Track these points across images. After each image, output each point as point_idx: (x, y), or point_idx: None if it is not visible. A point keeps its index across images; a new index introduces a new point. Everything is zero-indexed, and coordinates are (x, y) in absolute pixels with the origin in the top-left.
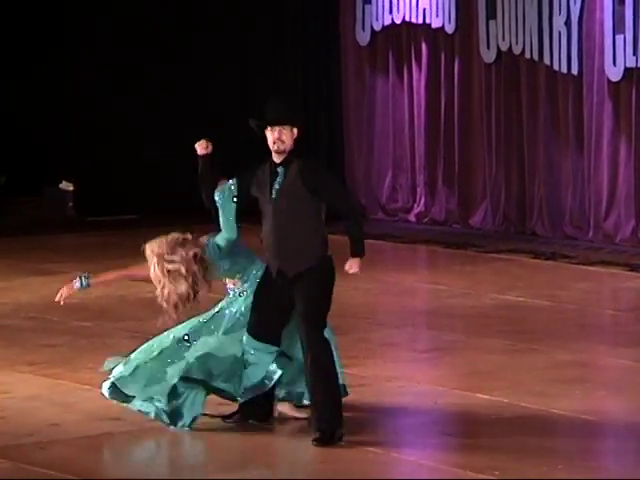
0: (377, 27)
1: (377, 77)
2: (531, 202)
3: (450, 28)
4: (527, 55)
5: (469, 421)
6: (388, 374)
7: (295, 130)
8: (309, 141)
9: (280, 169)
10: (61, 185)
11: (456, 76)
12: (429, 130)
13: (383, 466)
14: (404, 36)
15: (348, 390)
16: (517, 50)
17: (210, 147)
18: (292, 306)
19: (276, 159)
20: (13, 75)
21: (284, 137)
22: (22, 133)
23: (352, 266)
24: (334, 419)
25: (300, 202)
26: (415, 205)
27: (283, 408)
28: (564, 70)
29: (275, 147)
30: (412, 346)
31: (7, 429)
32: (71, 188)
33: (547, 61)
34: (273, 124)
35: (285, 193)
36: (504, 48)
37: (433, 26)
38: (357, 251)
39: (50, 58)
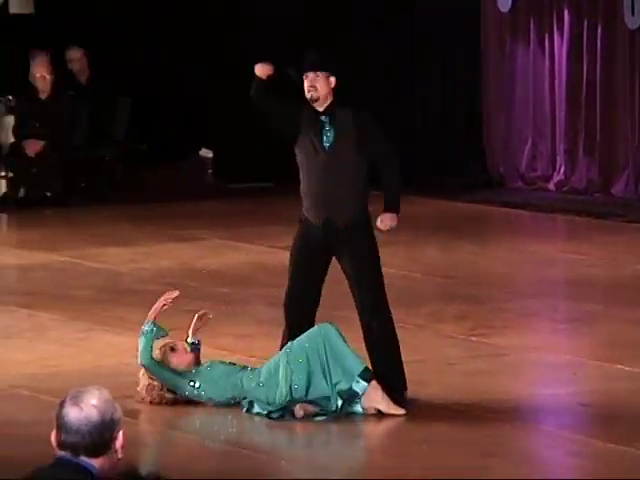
0: None
1: (518, 44)
2: None
3: None
4: None
5: (608, 393)
6: (526, 344)
7: (332, 79)
8: (447, 110)
9: (325, 118)
10: (201, 152)
11: (599, 43)
12: (570, 98)
13: (521, 435)
14: (546, 2)
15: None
16: None
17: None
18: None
19: (318, 107)
20: (153, 45)
21: (317, 84)
22: (162, 101)
23: (383, 221)
24: (400, 381)
25: (350, 154)
26: (555, 174)
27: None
28: None
29: (309, 95)
30: (551, 316)
31: None
32: (210, 155)
33: None
34: (306, 70)
35: (338, 143)
36: None
37: None
38: (392, 204)
39: (191, 28)
